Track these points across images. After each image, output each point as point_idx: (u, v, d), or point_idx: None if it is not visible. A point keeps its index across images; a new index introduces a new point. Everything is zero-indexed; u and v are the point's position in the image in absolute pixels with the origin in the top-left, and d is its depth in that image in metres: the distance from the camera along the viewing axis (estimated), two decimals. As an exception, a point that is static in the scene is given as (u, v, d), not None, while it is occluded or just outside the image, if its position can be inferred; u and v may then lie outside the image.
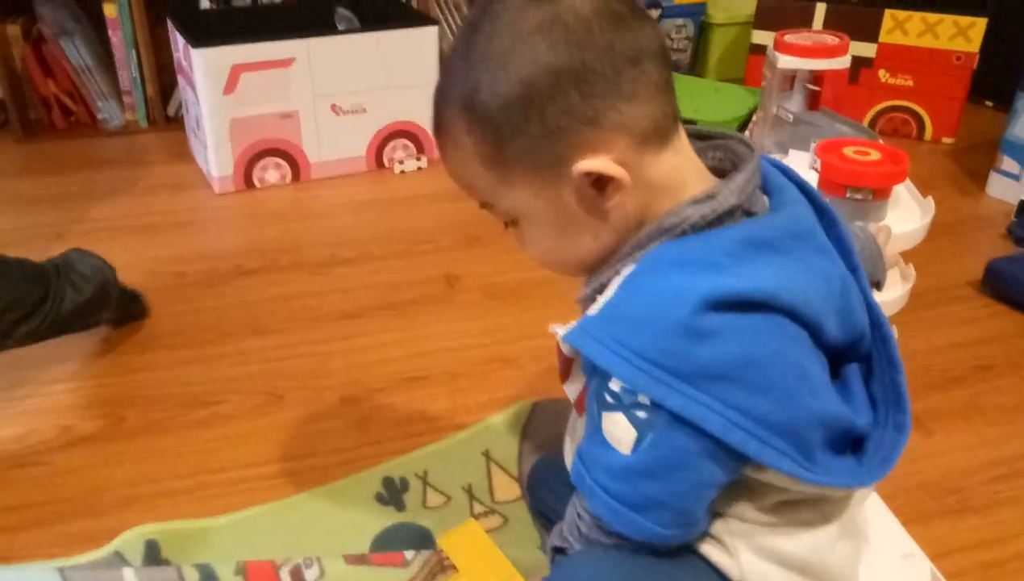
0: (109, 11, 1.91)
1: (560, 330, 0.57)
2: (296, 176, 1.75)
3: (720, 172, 0.60)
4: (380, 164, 1.83)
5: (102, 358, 1.18)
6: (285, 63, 1.64)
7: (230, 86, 1.60)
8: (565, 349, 0.60)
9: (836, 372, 0.60)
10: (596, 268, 0.60)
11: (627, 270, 0.56)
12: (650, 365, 0.51)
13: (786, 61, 1.41)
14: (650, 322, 0.51)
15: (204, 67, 1.57)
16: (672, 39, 2.32)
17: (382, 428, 1.05)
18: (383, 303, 1.33)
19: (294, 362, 1.18)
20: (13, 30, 1.90)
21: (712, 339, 0.50)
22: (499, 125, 0.54)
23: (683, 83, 2.18)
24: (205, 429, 1.05)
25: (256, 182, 1.72)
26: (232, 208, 1.65)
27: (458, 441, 1.02)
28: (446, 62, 0.58)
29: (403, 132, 1.82)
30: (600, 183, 0.55)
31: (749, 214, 0.57)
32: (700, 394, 0.51)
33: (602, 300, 0.56)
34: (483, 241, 1.53)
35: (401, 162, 1.82)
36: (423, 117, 1.82)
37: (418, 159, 1.84)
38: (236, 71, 1.60)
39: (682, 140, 0.58)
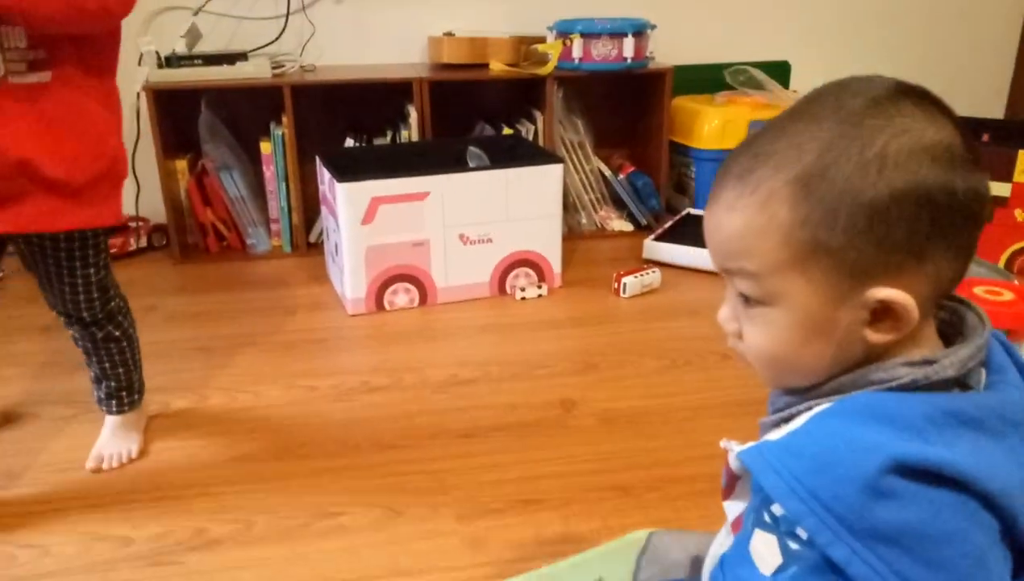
0: (265, 148, 2.12)
1: (735, 446, 0.56)
2: (424, 300, 1.85)
3: (943, 335, 0.58)
4: (503, 291, 1.91)
5: (236, 464, 1.26)
6: (420, 196, 1.77)
7: (369, 216, 1.74)
8: (734, 465, 0.58)
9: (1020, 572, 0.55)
10: (797, 385, 0.58)
11: (820, 407, 0.54)
12: (823, 509, 0.49)
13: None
14: (833, 467, 0.49)
15: (346, 199, 1.72)
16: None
17: (495, 548, 1.06)
18: (500, 424, 1.37)
19: (413, 477, 1.22)
20: (181, 164, 2.14)
21: (894, 501, 0.48)
22: (836, 216, 0.51)
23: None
24: (327, 539, 1.09)
25: (386, 305, 1.82)
26: (363, 328, 1.76)
27: (571, 565, 1.02)
28: (787, 120, 0.55)
29: (526, 261, 1.91)
30: (879, 314, 0.53)
31: (964, 387, 0.55)
32: (867, 552, 0.48)
33: (787, 429, 0.55)
34: (599, 368, 1.55)
35: (523, 290, 1.90)
36: (545, 247, 1.90)
37: (539, 287, 1.91)
38: (375, 203, 1.73)
39: None
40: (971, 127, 2.28)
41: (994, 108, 2.70)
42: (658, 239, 2.09)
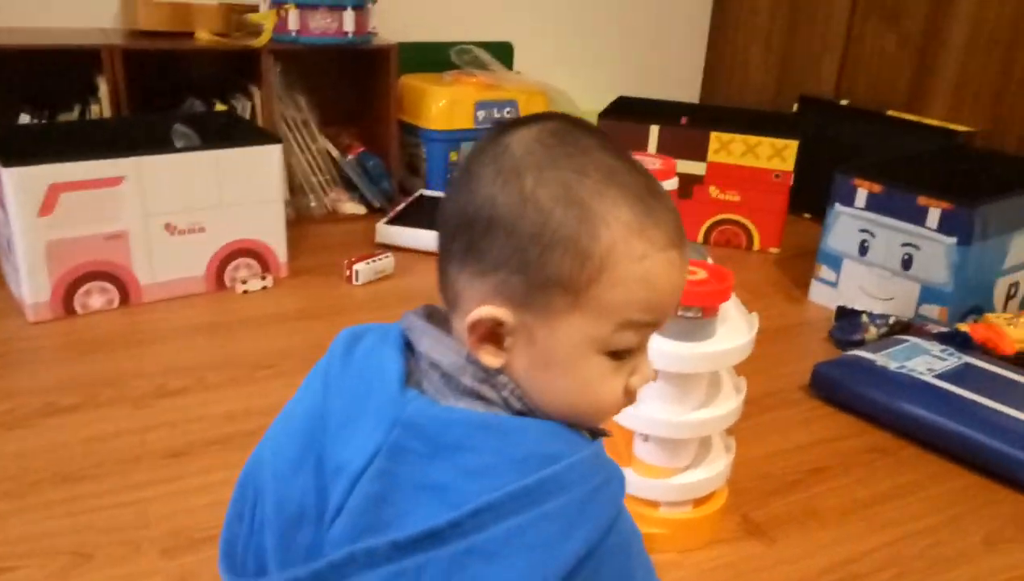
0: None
1: None
2: (125, 300, 1.64)
3: None
4: (221, 284, 1.75)
5: None
6: (113, 182, 1.56)
7: (48, 207, 1.50)
8: None
9: None
10: None
11: None
12: None
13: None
14: None
15: (17, 187, 1.47)
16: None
17: (207, 582, 0.96)
18: (215, 437, 1.24)
19: (107, 513, 1.06)
20: None
21: None
22: None
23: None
24: (-3, 598, 0.92)
25: (78, 308, 1.60)
26: (48, 337, 1.52)
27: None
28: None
29: (246, 250, 1.76)
30: None
31: None
32: None
33: None
34: (328, 363, 1.47)
35: (244, 282, 1.76)
36: (268, 234, 1.77)
37: (263, 278, 1.78)
38: (54, 191, 1.50)
39: None
40: (671, 110, 2.47)
41: (690, 93, 2.93)
42: (391, 222, 2.04)
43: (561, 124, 0.59)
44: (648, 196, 0.57)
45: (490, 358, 0.57)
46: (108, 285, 1.62)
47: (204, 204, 1.68)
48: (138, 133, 1.80)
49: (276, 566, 0.60)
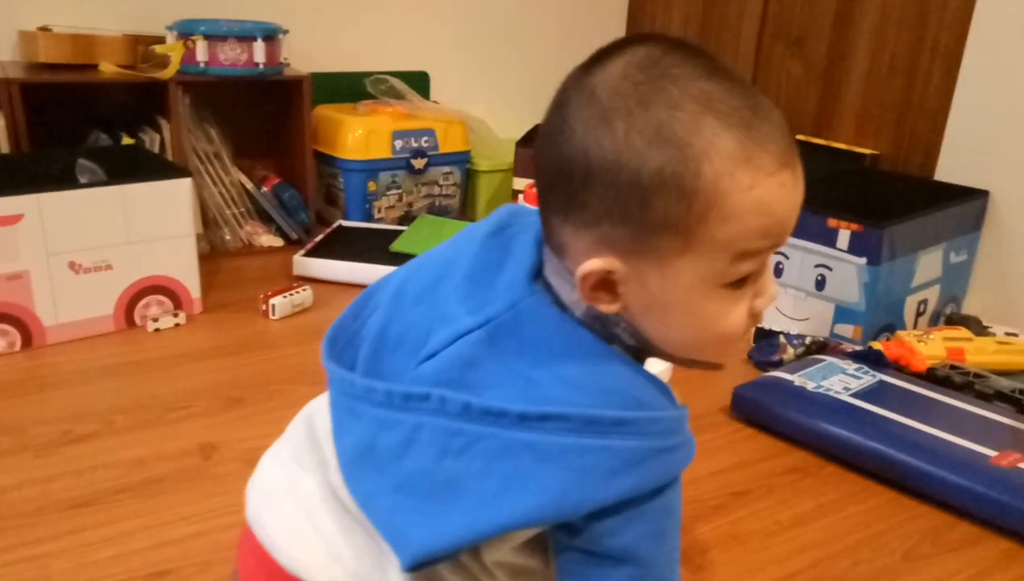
0: None
1: None
2: (28, 342, 1.56)
3: None
4: (131, 323, 1.68)
5: None
6: (11, 220, 1.49)
7: (-61, 249, 1.42)
8: None
9: None
10: None
11: None
12: None
13: (538, 210, 1.47)
14: None
15: (-94, 228, 1.39)
16: (440, 185, 2.39)
17: (113, 643, 0.90)
18: (124, 485, 1.18)
19: (6, 571, 0.99)
20: None
21: None
22: None
23: (452, 227, 2.23)
24: None
25: (-26, 353, 1.51)
26: (-59, 386, 1.44)
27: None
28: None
29: (157, 287, 1.70)
30: None
31: None
32: None
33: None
34: (245, 402, 1.42)
35: (155, 320, 1.69)
36: (180, 270, 1.71)
37: (175, 315, 1.71)
38: (-53, 232, 1.43)
39: None
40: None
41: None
42: (308, 254, 2.00)
43: (649, 51, 0.55)
44: (753, 118, 0.54)
45: (605, 305, 0.58)
46: (8, 327, 1.53)
47: (111, 241, 1.61)
48: (39, 169, 1.72)
49: (360, 373, 0.63)
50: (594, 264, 0.56)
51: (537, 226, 0.63)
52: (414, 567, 0.56)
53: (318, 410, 0.70)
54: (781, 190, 0.56)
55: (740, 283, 0.57)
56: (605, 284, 0.57)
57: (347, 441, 0.62)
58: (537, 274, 0.62)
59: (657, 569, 0.58)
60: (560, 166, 0.56)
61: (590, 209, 0.55)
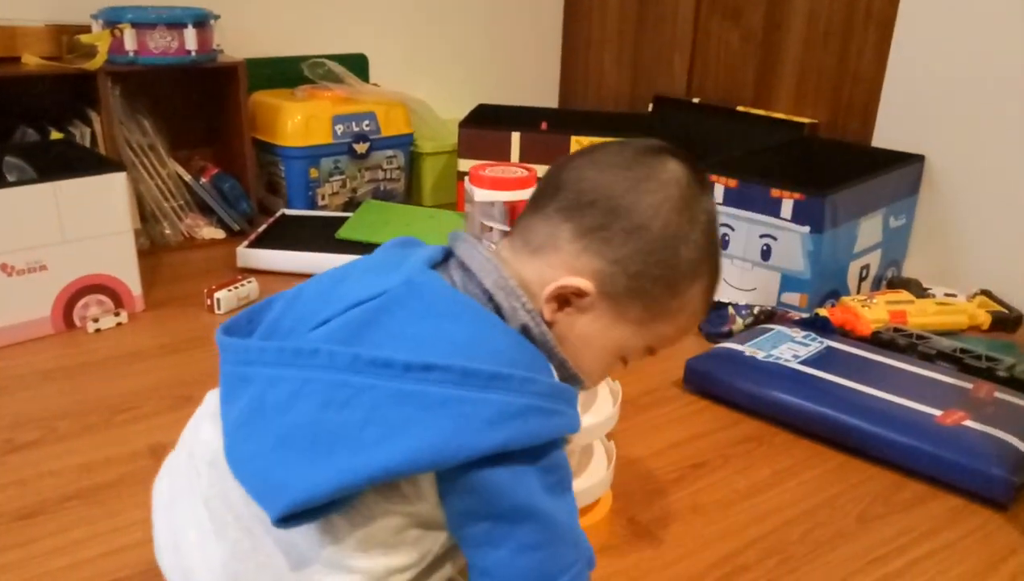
0: None
1: None
2: (-40, 350, 1.50)
3: None
4: (70, 325, 1.63)
5: None
6: (-65, 224, 1.42)
7: None
8: None
9: None
10: None
11: None
12: None
13: (481, 195, 1.47)
14: None
15: None
16: (384, 169, 2.36)
17: (69, 656, 0.87)
18: (72, 492, 1.14)
19: (-52, 592, 0.96)
20: None
21: None
22: None
23: (399, 211, 2.21)
24: None
25: (-97, 364, 1.45)
26: None
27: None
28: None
29: (96, 286, 1.65)
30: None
31: None
32: None
33: None
34: (195, 400, 1.36)
35: (96, 320, 1.64)
36: (118, 268, 1.65)
37: (116, 314, 1.66)
38: None
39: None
40: (531, 116, 2.48)
41: (550, 98, 2.96)
42: (252, 245, 1.96)
43: (695, 173, 0.72)
44: (719, 261, 0.73)
45: (548, 310, 0.68)
46: (-63, 337, 1.47)
47: (44, 240, 1.55)
48: (-38, 168, 1.65)
49: (258, 337, 0.69)
50: (581, 282, 0.66)
51: (437, 247, 0.72)
52: (286, 518, 0.58)
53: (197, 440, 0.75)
54: (701, 319, 0.74)
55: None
56: (567, 297, 0.67)
57: (234, 409, 0.65)
58: (436, 266, 0.70)
59: (558, 523, 0.63)
60: (616, 202, 0.67)
61: (617, 250, 0.66)
